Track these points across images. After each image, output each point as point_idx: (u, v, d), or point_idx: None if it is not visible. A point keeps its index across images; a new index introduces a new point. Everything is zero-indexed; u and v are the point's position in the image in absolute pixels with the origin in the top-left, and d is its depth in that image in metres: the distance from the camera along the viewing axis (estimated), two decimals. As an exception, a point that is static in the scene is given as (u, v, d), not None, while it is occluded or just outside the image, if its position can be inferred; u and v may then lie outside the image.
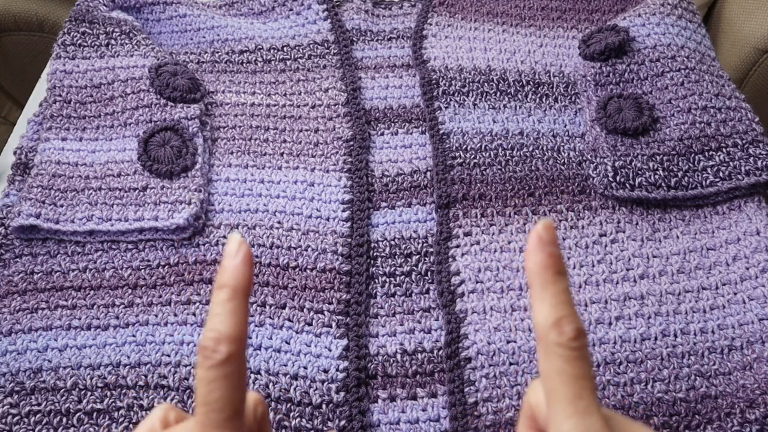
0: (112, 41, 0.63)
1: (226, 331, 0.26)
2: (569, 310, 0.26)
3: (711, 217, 0.53)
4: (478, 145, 0.58)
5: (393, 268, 0.51)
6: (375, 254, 0.52)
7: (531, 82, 0.63)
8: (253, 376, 0.45)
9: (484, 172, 0.56)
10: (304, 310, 0.48)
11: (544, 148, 0.58)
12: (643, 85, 0.59)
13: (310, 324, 0.48)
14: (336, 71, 0.65)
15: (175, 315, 0.48)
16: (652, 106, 0.57)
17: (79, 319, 0.48)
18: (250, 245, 0.51)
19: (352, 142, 0.58)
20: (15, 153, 0.58)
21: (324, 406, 0.44)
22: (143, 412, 0.44)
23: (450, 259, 0.51)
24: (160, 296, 0.49)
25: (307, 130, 0.60)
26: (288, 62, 0.66)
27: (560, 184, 0.55)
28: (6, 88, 1.03)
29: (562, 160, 0.57)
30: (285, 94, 0.63)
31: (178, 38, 0.69)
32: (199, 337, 0.26)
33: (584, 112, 0.59)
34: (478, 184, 0.55)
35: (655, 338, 0.46)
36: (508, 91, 0.62)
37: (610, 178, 0.53)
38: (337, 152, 0.58)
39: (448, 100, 0.61)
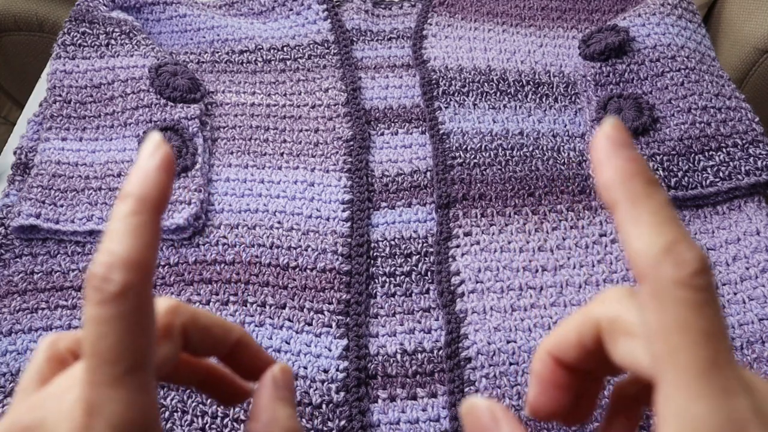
0: (112, 41, 0.63)
1: (123, 253, 0.19)
2: (683, 232, 0.17)
3: (711, 217, 0.53)
4: (478, 145, 0.58)
5: (393, 268, 0.51)
6: (375, 254, 0.52)
7: (531, 82, 0.63)
8: (253, 376, 0.45)
9: (484, 172, 0.56)
10: (304, 310, 0.48)
11: (544, 148, 0.58)
12: (643, 85, 0.59)
13: (310, 324, 0.48)
14: (336, 71, 0.65)
15: (175, 315, 0.48)
16: (652, 106, 0.57)
17: (79, 319, 0.48)
18: (250, 245, 0.51)
19: (352, 142, 0.58)
20: (15, 153, 0.58)
21: (324, 406, 0.44)
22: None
23: (450, 259, 0.51)
24: (160, 296, 0.49)
25: (307, 130, 0.60)
26: (288, 62, 0.66)
27: (560, 184, 0.55)
28: (6, 88, 1.03)
29: (562, 160, 0.57)
30: (285, 94, 0.63)
31: (178, 38, 0.69)
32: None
33: (584, 112, 0.59)
34: (478, 184, 0.55)
35: (655, 338, 0.46)
36: (508, 91, 0.62)
37: (610, 178, 0.53)
38: (337, 152, 0.58)
39: (448, 100, 0.61)
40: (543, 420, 0.24)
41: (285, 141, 0.59)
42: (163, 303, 0.24)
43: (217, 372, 0.27)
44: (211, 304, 0.49)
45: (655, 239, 0.17)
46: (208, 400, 0.44)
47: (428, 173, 0.57)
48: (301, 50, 0.67)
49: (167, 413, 0.43)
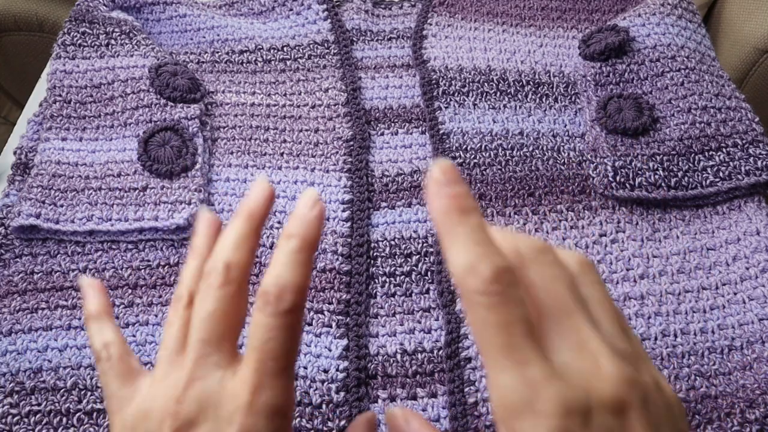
0: (112, 41, 0.63)
1: (294, 280, 0.25)
2: (484, 249, 0.22)
3: (711, 217, 0.53)
4: (478, 145, 0.58)
5: (393, 268, 0.51)
6: (375, 254, 0.52)
7: (531, 82, 0.63)
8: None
9: (484, 172, 0.56)
10: (304, 310, 0.48)
11: (544, 148, 0.58)
12: (643, 85, 0.59)
13: (310, 324, 0.48)
14: (336, 71, 0.65)
15: (175, 315, 0.48)
16: (652, 106, 0.57)
17: (79, 319, 0.48)
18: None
19: (352, 142, 0.58)
20: (15, 153, 0.58)
21: (324, 406, 0.44)
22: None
23: (450, 259, 0.51)
24: (160, 296, 0.49)
25: (307, 130, 0.60)
26: (288, 62, 0.66)
27: (560, 184, 0.55)
28: (6, 88, 1.03)
29: (562, 160, 0.57)
30: (285, 94, 0.63)
31: (178, 38, 0.69)
32: (261, 282, 0.26)
33: (584, 112, 0.59)
34: (478, 184, 0.55)
35: (655, 338, 0.46)
36: (508, 91, 0.62)
37: (610, 178, 0.53)
38: (337, 152, 0.58)
39: (448, 100, 0.61)
40: None
41: (285, 141, 0.59)
42: None
43: None
44: (211, 304, 0.49)
45: (462, 260, 0.22)
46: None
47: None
48: (301, 50, 0.67)
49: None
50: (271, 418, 0.25)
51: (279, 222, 0.53)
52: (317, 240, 0.26)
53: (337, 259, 0.51)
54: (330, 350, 0.46)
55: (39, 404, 0.44)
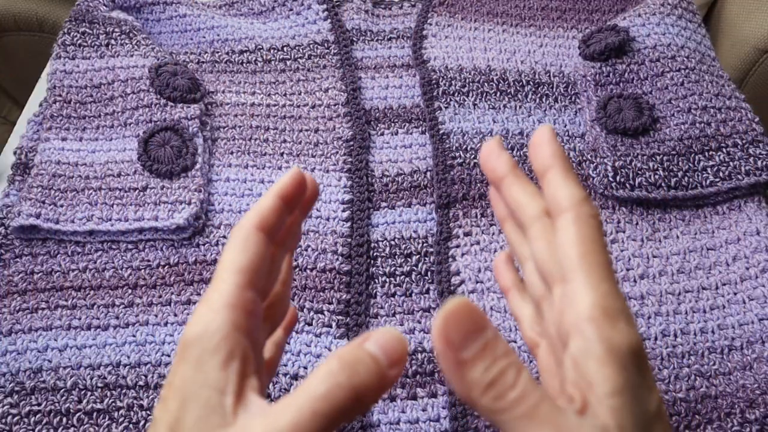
0: (112, 41, 0.63)
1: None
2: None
3: (711, 217, 0.53)
4: (478, 145, 0.58)
5: (393, 268, 0.51)
6: (375, 254, 0.52)
7: (531, 82, 0.63)
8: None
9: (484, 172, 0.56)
10: (304, 310, 0.48)
11: (544, 148, 0.58)
12: (643, 85, 0.59)
13: (310, 324, 0.48)
14: (336, 71, 0.65)
15: (175, 315, 0.48)
16: (652, 106, 0.57)
17: (79, 319, 0.48)
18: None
19: (352, 142, 0.58)
20: (15, 153, 0.58)
21: (324, 406, 0.44)
22: (143, 412, 0.44)
23: (450, 259, 0.51)
24: (160, 296, 0.49)
25: (307, 130, 0.60)
26: (288, 62, 0.66)
27: (560, 184, 0.55)
28: (6, 88, 1.03)
29: (562, 160, 0.57)
30: (285, 94, 0.63)
31: (178, 38, 0.69)
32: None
33: (584, 112, 0.59)
34: (478, 184, 0.55)
35: (655, 338, 0.46)
36: (508, 91, 0.62)
37: (610, 178, 0.53)
38: (337, 152, 0.58)
39: (448, 100, 0.61)
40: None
41: (285, 141, 0.59)
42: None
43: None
44: (211, 304, 0.49)
45: (580, 190, 0.26)
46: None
47: (428, 173, 0.57)
48: (301, 50, 0.67)
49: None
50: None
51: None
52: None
53: (337, 259, 0.51)
54: (330, 350, 0.46)
55: (39, 404, 0.44)
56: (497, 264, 0.34)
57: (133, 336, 0.47)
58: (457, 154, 0.57)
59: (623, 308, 0.23)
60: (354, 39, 0.69)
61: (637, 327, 0.24)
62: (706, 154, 0.54)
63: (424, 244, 0.53)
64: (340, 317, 0.48)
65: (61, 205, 0.53)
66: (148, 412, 0.44)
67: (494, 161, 0.29)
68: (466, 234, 0.52)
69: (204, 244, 0.52)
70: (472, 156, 0.57)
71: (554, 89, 0.62)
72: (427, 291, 0.50)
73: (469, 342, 0.22)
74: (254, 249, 0.26)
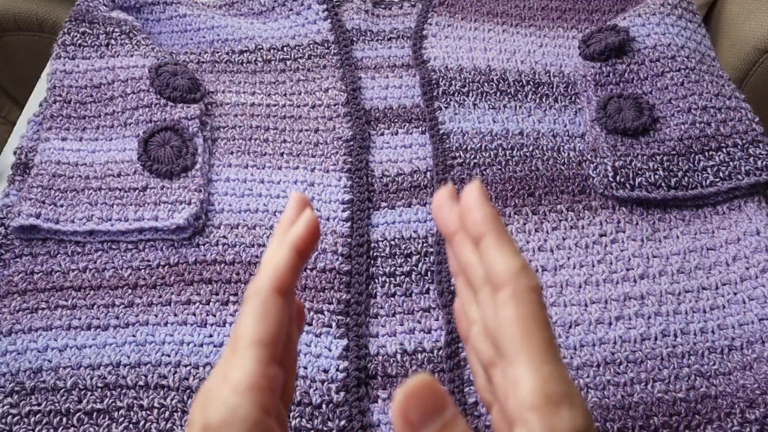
0: (112, 41, 0.63)
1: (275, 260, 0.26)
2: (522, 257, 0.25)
3: (711, 217, 0.53)
4: (478, 145, 0.58)
5: (393, 268, 0.51)
6: (375, 254, 0.52)
7: (531, 82, 0.63)
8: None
9: (484, 172, 0.56)
10: (304, 310, 0.48)
11: (544, 148, 0.58)
12: (643, 85, 0.59)
13: (310, 324, 0.48)
14: (336, 71, 0.65)
15: (175, 315, 0.48)
16: (652, 106, 0.57)
17: (79, 319, 0.48)
18: (250, 245, 0.51)
19: (352, 142, 0.58)
20: (15, 153, 0.58)
21: (324, 406, 0.44)
22: (143, 412, 0.44)
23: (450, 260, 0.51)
24: (160, 296, 0.49)
25: (307, 130, 0.60)
26: (288, 62, 0.66)
27: (560, 184, 0.55)
28: (6, 88, 1.03)
29: (562, 160, 0.57)
30: (285, 94, 0.63)
31: (178, 38, 0.69)
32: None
33: (584, 112, 0.59)
34: (478, 184, 0.55)
35: (655, 338, 0.46)
36: (508, 91, 0.62)
37: (610, 178, 0.53)
38: (337, 152, 0.58)
39: (448, 100, 0.61)
40: None
41: (285, 141, 0.59)
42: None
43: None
44: (211, 304, 0.49)
45: (518, 259, 0.24)
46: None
47: (428, 173, 0.57)
48: (301, 50, 0.67)
49: (167, 413, 0.43)
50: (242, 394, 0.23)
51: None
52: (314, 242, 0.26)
53: (337, 259, 0.51)
54: (330, 350, 0.46)
55: (39, 404, 0.44)
56: (456, 311, 0.32)
57: (133, 336, 0.47)
58: (457, 154, 0.57)
59: (567, 390, 0.23)
60: (354, 39, 0.69)
61: (584, 406, 0.23)
62: (706, 154, 0.54)
63: (424, 244, 0.53)
64: (340, 317, 0.48)
65: (61, 205, 0.53)
66: (148, 412, 0.44)
67: (445, 215, 0.27)
68: (466, 234, 0.52)
69: (204, 244, 0.52)
70: (472, 156, 0.57)
71: (554, 89, 0.62)
72: (427, 291, 0.50)
73: (428, 422, 0.22)
74: (274, 316, 0.24)
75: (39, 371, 0.46)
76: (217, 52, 0.67)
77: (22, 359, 0.46)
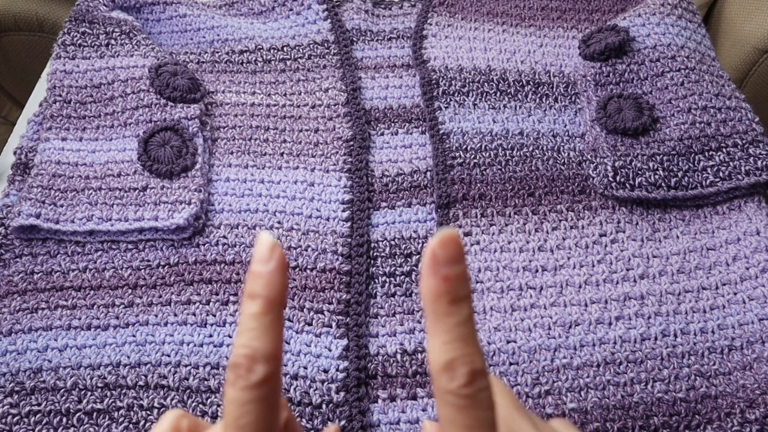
0: (112, 41, 0.63)
1: (263, 348, 0.23)
2: (464, 349, 0.22)
3: (711, 217, 0.53)
4: (478, 145, 0.58)
5: (393, 268, 0.51)
6: (375, 254, 0.52)
7: (531, 82, 0.63)
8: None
9: (484, 172, 0.56)
10: (304, 310, 0.48)
11: (544, 148, 0.58)
12: (643, 85, 0.59)
13: (310, 324, 0.48)
14: (336, 71, 0.65)
15: (175, 315, 0.48)
16: (652, 106, 0.57)
17: (79, 319, 0.48)
18: (250, 245, 0.51)
19: (352, 142, 0.58)
20: (15, 153, 0.58)
21: (324, 406, 0.44)
22: (143, 412, 0.44)
23: (450, 259, 0.50)
24: (160, 296, 0.49)
25: (307, 130, 0.60)
26: (288, 62, 0.66)
27: (560, 184, 0.55)
28: (6, 88, 1.03)
29: (562, 160, 0.57)
30: (285, 94, 0.63)
31: (178, 38, 0.69)
32: (231, 353, 0.24)
33: (584, 112, 0.59)
34: (478, 184, 0.55)
35: (655, 338, 0.46)
36: (508, 91, 0.62)
37: (610, 178, 0.53)
38: (337, 152, 0.58)
39: (448, 100, 0.61)
40: None
41: (285, 141, 0.59)
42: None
43: None
44: (211, 304, 0.49)
45: (440, 355, 0.22)
46: (208, 400, 0.44)
47: (428, 173, 0.57)
48: (301, 50, 0.67)
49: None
50: None
51: (279, 222, 0.53)
52: (284, 295, 0.24)
53: (337, 259, 0.51)
54: (330, 350, 0.46)
55: (39, 404, 0.44)
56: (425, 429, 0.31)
57: (133, 336, 0.47)
58: (457, 154, 0.57)
59: None
60: (354, 39, 0.69)
61: None
62: (706, 154, 0.54)
63: (424, 244, 0.53)
64: (340, 317, 0.48)
65: (61, 205, 0.53)
66: (148, 412, 0.44)
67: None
68: (466, 234, 0.52)
69: (204, 244, 0.52)
70: (472, 156, 0.57)
71: (554, 89, 0.62)
72: (427, 291, 0.50)
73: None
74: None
75: (39, 371, 0.46)
76: (217, 52, 0.67)
77: (22, 359, 0.46)
